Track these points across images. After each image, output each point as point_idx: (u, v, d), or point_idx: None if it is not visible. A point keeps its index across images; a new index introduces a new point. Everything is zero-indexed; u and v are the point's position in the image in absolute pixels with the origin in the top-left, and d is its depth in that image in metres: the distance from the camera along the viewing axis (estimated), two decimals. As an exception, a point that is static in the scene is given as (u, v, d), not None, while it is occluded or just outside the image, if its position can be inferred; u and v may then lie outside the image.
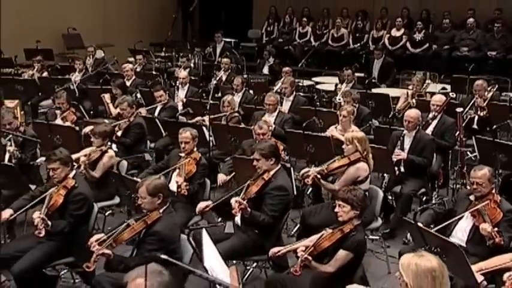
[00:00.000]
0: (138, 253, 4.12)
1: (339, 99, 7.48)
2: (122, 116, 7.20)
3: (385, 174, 6.10)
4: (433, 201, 5.97)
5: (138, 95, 8.79)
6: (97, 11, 14.58)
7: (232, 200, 4.52)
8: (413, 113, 6.25)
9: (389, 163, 5.78)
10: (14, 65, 11.03)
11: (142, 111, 7.91)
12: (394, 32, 13.21)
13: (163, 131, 7.50)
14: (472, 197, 4.45)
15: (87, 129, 6.43)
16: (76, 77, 9.93)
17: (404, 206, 5.90)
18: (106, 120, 7.38)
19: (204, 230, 3.57)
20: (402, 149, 6.12)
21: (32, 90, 9.61)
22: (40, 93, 9.60)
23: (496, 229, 4.11)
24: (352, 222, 3.99)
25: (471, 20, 12.47)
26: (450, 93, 7.41)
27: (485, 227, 4.10)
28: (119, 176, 5.08)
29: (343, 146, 5.35)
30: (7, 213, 4.63)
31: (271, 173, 4.79)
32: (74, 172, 4.70)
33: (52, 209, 4.46)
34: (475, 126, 7.69)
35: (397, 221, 5.81)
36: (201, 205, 4.95)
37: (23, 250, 4.44)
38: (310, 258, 3.83)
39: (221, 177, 6.01)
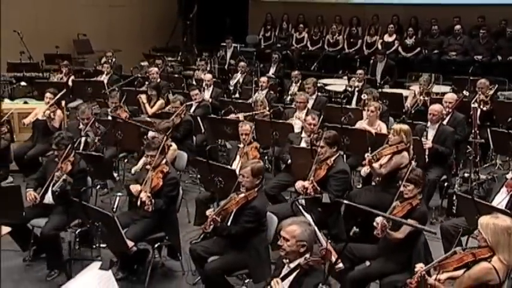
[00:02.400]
0: (237, 223, 4.70)
1: (364, 97, 8.09)
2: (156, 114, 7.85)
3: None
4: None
5: (170, 96, 9.27)
6: (104, 18, 14.94)
7: (300, 183, 5.15)
8: (437, 107, 6.90)
9: (421, 152, 6.43)
10: (40, 69, 11.35)
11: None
12: (387, 38, 13.84)
13: (202, 128, 8.09)
14: (508, 176, 5.16)
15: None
16: (104, 79, 10.36)
17: (431, 190, 6.58)
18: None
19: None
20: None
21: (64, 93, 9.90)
22: (71, 95, 9.95)
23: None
24: (417, 197, 4.64)
25: (458, 26, 13.18)
26: (464, 92, 8.11)
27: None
28: (207, 163, 5.56)
29: (389, 136, 5.98)
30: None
31: (333, 158, 5.43)
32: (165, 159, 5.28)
33: (154, 190, 5.03)
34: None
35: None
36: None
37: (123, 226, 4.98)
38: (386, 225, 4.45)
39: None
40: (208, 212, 4.73)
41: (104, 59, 12.71)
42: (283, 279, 3.59)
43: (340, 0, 15.84)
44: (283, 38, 15.39)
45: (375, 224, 4.56)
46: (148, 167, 5.28)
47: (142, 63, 13.09)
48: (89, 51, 14.06)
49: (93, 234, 4.69)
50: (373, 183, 6.35)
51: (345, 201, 3.75)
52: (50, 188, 5.36)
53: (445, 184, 6.84)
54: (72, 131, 6.80)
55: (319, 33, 14.95)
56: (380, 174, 5.93)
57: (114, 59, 12.14)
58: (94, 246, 5.57)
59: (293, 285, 3.59)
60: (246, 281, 4.79)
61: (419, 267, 3.83)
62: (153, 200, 4.90)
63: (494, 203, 5.14)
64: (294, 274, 3.61)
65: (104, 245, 5.41)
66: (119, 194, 6.79)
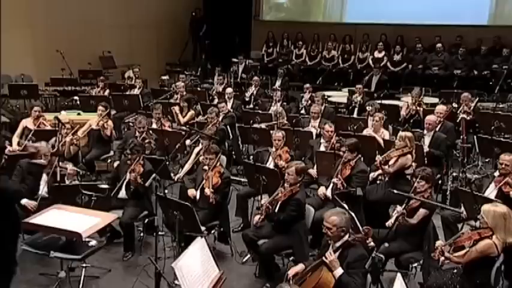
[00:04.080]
0: (283, 211, 5.44)
1: (368, 108, 8.88)
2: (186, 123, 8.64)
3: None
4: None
5: (198, 107, 9.97)
6: (125, 37, 15.33)
7: (322, 191, 5.98)
8: (432, 118, 7.72)
9: (420, 155, 7.22)
10: (78, 84, 11.88)
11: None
12: (377, 54, 14.69)
13: (230, 135, 8.82)
14: (496, 174, 5.99)
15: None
16: (137, 93, 11.02)
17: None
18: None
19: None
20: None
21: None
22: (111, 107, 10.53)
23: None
24: (427, 191, 5.43)
25: (439, 45, 14.06)
26: (453, 104, 8.92)
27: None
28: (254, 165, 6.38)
29: (396, 141, 6.78)
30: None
31: (354, 161, 6.23)
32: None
33: (215, 187, 5.78)
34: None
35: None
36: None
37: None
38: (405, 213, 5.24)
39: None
40: (263, 201, 5.50)
41: (128, 74, 13.38)
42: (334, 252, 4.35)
43: (334, 20, 16.54)
44: (284, 53, 16.03)
45: (394, 212, 5.36)
46: (205, 167, 6.03)
47: (163, 77, 13.74)
48: (113, 67, 14.52)
49: (172, 220, 5.27)
50: (378, 182, 7.17)
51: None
52: (124, 185, 6.12)
53: (439, 181, 7.65)
54: (129, 139, 7.55)
55: (316, 49, 15.67)
56: (388, 173, 6.72)
57: (139, 75, 12.59)
58: (155, 234, 6.36)
59: (340, 256, 4.34)
60: (291, 258, 5.54)
61: (439, 244, 4.61)
62: (215, 195, 5.67)
63: (486, 195, 5.97)
64: (341, 249, 4.38)
65: (162, 233, 6.18)
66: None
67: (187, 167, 7.25)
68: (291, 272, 4.54)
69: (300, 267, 4.56)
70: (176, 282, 4.97)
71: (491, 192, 5.95)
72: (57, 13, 13.09)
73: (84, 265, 5.36)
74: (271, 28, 16.72)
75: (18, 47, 12.18)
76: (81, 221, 4.56)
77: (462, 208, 5.88)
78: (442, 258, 4.57)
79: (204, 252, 4.06)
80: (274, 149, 7.02)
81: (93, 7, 14.04)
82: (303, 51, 15.74)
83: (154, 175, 5.82)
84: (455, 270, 4.65)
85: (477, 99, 9.83)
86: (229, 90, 10.47)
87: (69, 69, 11.74)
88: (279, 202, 5.48)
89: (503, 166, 5.86)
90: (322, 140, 7.49)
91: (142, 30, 15.77)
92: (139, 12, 15.59)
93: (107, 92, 10.92)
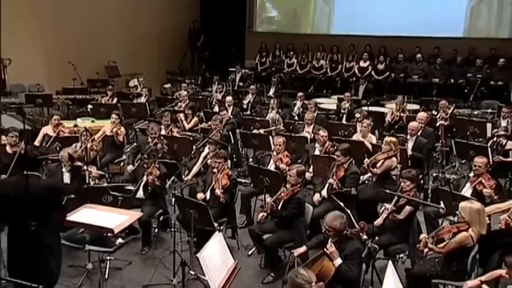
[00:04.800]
0: (285, 209, 5.83)
1: (357, 115, 9.30)
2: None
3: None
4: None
5: (201, 114, 10.32)
6: (128, 47, 15.41)
7: (330, 180, 6.38)
8: (415, 124, 8.18)
9: (405, 158, 7.66)
10: (88, 92, 12.13)
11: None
12: (362, 63, 14.90)
13: (232, 140, 9.21)
14: (471, 174, 6.46)
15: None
16: (143, 101, 11.35)
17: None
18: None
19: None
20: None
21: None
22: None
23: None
24: (412, 190, 5.87)
25: (419, 55, 14.36)
26: (432, 111, 9.38)
27: (487, 191, 6.09)
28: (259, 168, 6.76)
29: (382, 146, 7.22)
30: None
31: (347, 163, 6.66)
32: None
33: (224, 188, 6.18)
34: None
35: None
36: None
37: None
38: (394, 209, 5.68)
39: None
40: (267, 200, 5.91)
41: (133, 82, 13.65)
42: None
43: (322, 32, 16.74)
44: (276, 63, 16.18)
45: (382, 209, 5.80)
46: (215, 170, 6.42)
47: (165, 86, 14.04)
48: (117, 75, 14.65)
49: (187, 217, 5.64)
50: (366, 182, 7.59)
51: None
52: (142, 187, 6.50)
53: (422, 181, 8.07)
54: (142, 144, 7.93)
55: (306, 59, 15.84)
56: (376, 174, 7.16)
57: (142, 84, 12.92)
58: (169, 230, 6.74)
59: (339, 248, 4.75)
60: (292, 251, 5.93)
61: (423, 237, 5.05)
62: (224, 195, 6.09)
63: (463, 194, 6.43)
64: (340, 242, 4.80)
65: (175, 229, 6.55)
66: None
67: (195, 169, 7.61)
68: (296, 252, 4.96)
69: (303, 249, 4.98)
70: (192, 272, 5.44)
71: (467, 190, 6.41)
72: (66, 25, 13.29)
73: (108, 258, 5.76)
74: (264, 39, 16.88)
75: (31, 58, 12.44)
76: (112, 218, 4.92)
77: (442, 205, 6.32)
78: (426, 249, 5.01)
79: (221, 245, 4.47)
80: (275, 153, 7.41)
81: (99, 19, 14.25)
82: (293, 61, 15.95)
83: (173, 177, 6.20)
84: (436, 260, 5.09)
85: (454, 106, 10.24)
86: (229, 98, 10.81)
87: (80, 79, 11.98)
88: (282, 201, 5.88)
89: (476, 168, 6.31)
90: (316, 145, 7.89)
91: (144, 40, 15.88)
92: (142, 24, 15.75)
93: (115, 100, 11.20)
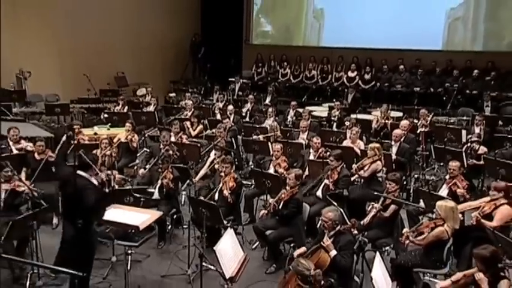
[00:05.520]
0: (286, 208, 6.25)
1: (347, 123, 9.75)
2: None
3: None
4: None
5: (205, 122, 10.73)
6: (135, 58, 15.64)
7: (326, 181, 6.85)
8: (398, 131, 8.63)
9: (389, 161, 8.11)
10: (101, 102, 12.50)
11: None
12: (350, 73, 15.28)
13: (235, 145, 9.64)
14: (447, 177, 6.94)
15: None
16: (151, 109, 11.75)
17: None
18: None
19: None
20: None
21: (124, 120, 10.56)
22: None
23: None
24: (396, 191, 6.32)
25: (402, 66, 14.81)
26: (414, 120, 9.85)
27: (461, 191, 6.58)
28: (261, 172, 7.22)
29: (368, 151, 7.68)
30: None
31: (339, 168, 7.13)
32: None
33: (231, 190, 6.61)
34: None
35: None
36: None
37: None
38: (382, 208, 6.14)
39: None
40: (270, 201, 6.36)
41: (141, 91, 14.01)
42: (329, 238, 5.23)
43: (312, 44, 17.14)
44: (271, 73, 16.54)
45: (370, 207, 6.26)
46: (222, 174, 6.86)
47: (170, 95, 14.41)
48: (125, 85, 14.95)
49: (200, 216, 6.07)
50: (355, 183, 8.04)
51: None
52: (157, 189, 6.93)
53: (404, 182, 8.53)
54: (154, 150, 8.34)
55: (298, 69, 16.18)
56: (363, 177, 7.64)
57: (152, 94, 13.24)
58: (180, 227, 7.19)
59: (334, 241, 5.18)
60: (291, 245, 6.36)
61: (405, 231, 5.53)
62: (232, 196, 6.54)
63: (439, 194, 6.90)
64: (334, 236, 5.26)
65: (185, 226, 6.99)
66: (184, 193, 8.19)
67: (202, 172, 8.03)
68: (296, 253, 5.41)
69: (303, 249, 5.43)
70: (204, 264, 5.86)
71: (443, 191, 6.87)
72: (80, 40, 13.62)
73: (129, 252, 6.17)
74: (260, 51, 17.18)
75: (48, 69, 12.83)
76: (136, 216, 5.35)
77: (422, 203, 6.78)
78: (407, 241, 5.49)
79: (233, 240, 4.92)
80: (274, 158, 7.86)
81: (109, 33, 14.56)
82: (287, 71, 16.28)
83: (188, 180, 6.64)
84: (417, 251, 5.55)
85: (432, 114, 10.69)
86: (230, 107, 11.19)
87: (94, 89, 12.33)
88: (283, 201, 6.34)
89: (451, 170, 6.78)
90: (311, 150, 8.34)
91: (149, 52, 16.13)
92: (147, 37, 16.03)
93: (126, 109, 11.55)
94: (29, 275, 5.67)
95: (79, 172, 4.83)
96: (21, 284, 5.63)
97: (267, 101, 13.98)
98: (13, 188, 6.23)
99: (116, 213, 5.39)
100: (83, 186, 4.63)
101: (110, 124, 10.53)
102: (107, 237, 5.69)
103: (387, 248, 6.04)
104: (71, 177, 4.68)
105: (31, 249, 5.68)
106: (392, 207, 6.19)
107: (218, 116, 11.54)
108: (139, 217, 5.35)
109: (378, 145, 7.78)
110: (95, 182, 4.95)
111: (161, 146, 8.25)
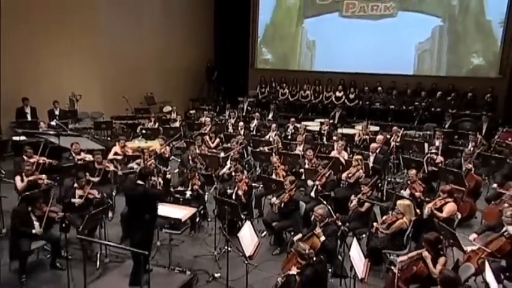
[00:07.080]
0: (287, 207, 7.22)
1: (335, 137, 10.67)
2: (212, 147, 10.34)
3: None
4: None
5: (221, 135, 11.67)
6: (161, 79, 16.47)
7: (316, 182, 7.86)
8: (375, 145, 9.57)
9: (367, 169, 9.07)
10: (136, 118, 13.29)
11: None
12: (337, 93, 16.20)
13: (245, 155, 10.61)
14: (409, 181, 7.95)
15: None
16: (177, 125, 12.66)
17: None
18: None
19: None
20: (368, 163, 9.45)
21: (157, 135, 11.19)
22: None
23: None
24: (369, 192, 7.30)
25: (380, 88, 15.71)
26: (387, 135, 10.80)
27: (417, 193, 7.56)
28: (268, 178, 8.25)
29: (353, 162, 8.66)
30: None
31: (327, 174, 8.12)
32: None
33: (244, 192, 7.59)
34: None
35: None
36: None
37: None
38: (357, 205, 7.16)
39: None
40: (275, 201, 7.35)
41: (166, 108, 14.86)
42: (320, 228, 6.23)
43: (306, 68, 17.96)
44: (273, 92, 17.42)
45: (352, 205, 7.26)
46: (236, 179, 7.85)
47: (191, 112, 15.28)
48: (153, 103, 15.57)
49: (223, 212, 7.04)
50: (341, 185, 8.99)
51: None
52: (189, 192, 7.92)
53: (379, 184, 9.46)
54: (184, 160, 9.33)
55: (295, 89, 17.12)
56: (350, 182, 8.63)
57: (175, 110, 14.08)
58: (206, 220, 8.15)
59: (323, 230, 6.15)
60: (292, 233, 7.32)
61: (376, 224, 6.56)
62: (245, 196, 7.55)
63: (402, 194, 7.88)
64: (323, 226, 6.26)
65: (210, 219, 7.97)
66: (207, 193, 8.91)
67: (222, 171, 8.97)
68: (295, 238, 6.43)
69: (300, 235, 6.45)
70: (226, 247, 6.83)
71: (406, 192, 7.88)
72: (118, 64, 14.37)
73: (172, 238, 7.15)
74: (263, 74, 18.13)
75: (93, 91, 13.66)
76: (178, 211, 6.38)
77: (389, 202, 7.72)
78: (378, 231, 6.51)
79: (250, 229, 5.92)
80: (275, 167, 8.84)
81: (141, 58, 15.35)
82: (286, 91, 17.16)
83: (215, 185, 7.66)
84: (385, 237, 6.51)
85: (403, 129, 11.48)
86: (241, 124, 12.07)
87: (131, 108, 13.23)
88: (284, 202, 7.34)
89: (410, 177, 7.80)
90: (306, 161, 9.32)
91: (172, 74, 16.86)
92: (171, 61, 16.79)
93: (157, 125, 12.43)
94: (98, 255, 6.69)
95: (138, 181, 5.80)
96: (93, 261, 6.63)
97: (270, 116, 14.79)
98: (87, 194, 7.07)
99: (162, 209, 6.40)
100: (150, 192, 5.64)
101: (145, 138, 11.42)
102: (157, 226, 6.69)
103: (363, 235, 6.96)
104: (135, 185, 5.67)
105: (99, 235, 6.71)
106: (367, 204, 7.18)
107: (231, 129, 12.44)
108: (181, 212, 6.38)
109: (360, 157, 8.73)
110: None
111: (189, 158, 9.20)
